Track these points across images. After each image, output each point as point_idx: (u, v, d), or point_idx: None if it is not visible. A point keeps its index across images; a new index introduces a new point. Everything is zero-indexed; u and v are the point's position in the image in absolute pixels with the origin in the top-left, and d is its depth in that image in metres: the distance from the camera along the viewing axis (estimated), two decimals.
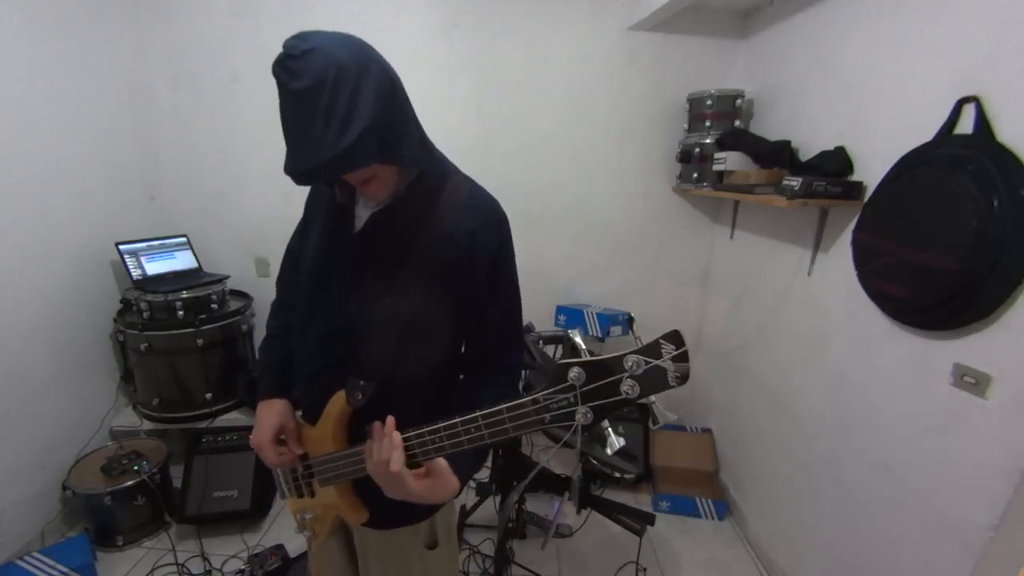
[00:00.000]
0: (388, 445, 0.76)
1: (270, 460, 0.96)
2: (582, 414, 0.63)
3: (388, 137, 0.73)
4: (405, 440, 0.77)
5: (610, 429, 0.64)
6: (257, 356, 0.98)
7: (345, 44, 0.71)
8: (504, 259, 0.90)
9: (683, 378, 0.59)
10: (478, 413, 0.71)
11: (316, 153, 0.69)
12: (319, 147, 0.68)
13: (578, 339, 0.65)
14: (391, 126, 0.74)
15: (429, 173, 0.87)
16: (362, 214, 0.90)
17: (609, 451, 0.64)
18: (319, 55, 0.67)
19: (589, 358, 0.63)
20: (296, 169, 0.72)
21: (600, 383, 0.62)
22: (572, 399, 0.63)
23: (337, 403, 0.88)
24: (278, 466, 0.99)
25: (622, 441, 0.66)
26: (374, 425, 0.78)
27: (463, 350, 0.97)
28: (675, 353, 0.59)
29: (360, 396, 0.85)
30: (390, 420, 0.78)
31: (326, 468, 0.93)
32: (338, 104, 0.68)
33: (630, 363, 0.60)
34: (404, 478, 0.76)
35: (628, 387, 0.60)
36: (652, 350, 0.59)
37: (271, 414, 0.96)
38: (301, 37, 0.70)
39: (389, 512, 0.83)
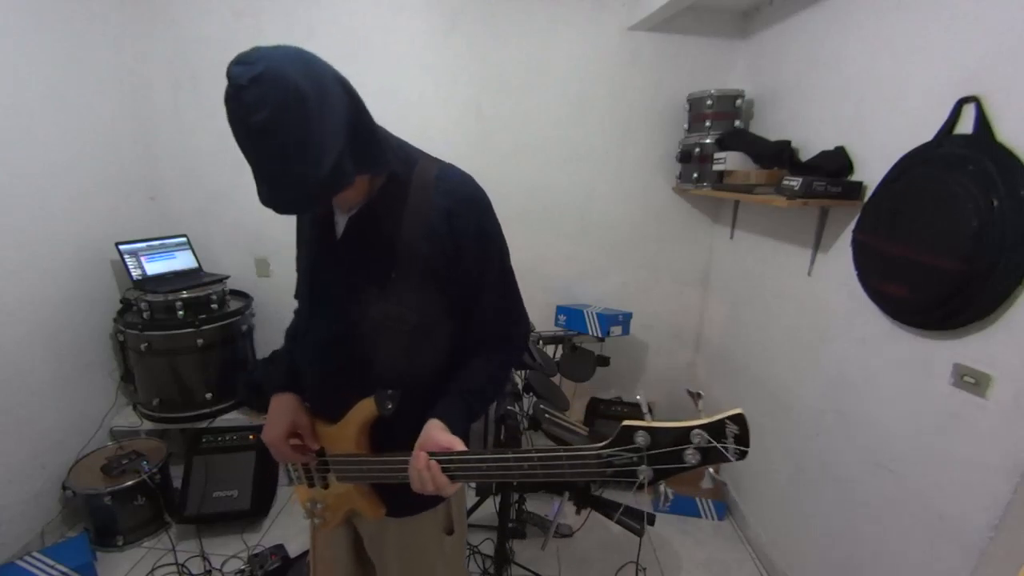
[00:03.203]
0: (430, 481, 0.78)
1: (286, 456, 0.97)
2: (644, 473, 0.67)
3: (360, 152, 0.73)
4: (447, 463, 0.78)
5: (664, 483, 0.70)
6: (265, 354, 0.99)
7: (293, 60, 0.66)
8: (488, 234, 0.89)
9: (741, 456, 0.64)
10: (534, 453, 0.73)
11: (296, 186, 0.68)
12: (298, 180, 0.67)
13: (642, 402, 0.71)
14: (360, 140, 0.73)
15: (398, 168, 0.86)
16: (341, 220, 0.89)
17: (661, 502, 0.72)
18: (270, 80, 0.62)
19: (657, 424, 0.67)
20: (276, 203, 0.71)
21: (665, 449, 0.66)
22: (636, 459, 0.67)
23: (364, 410, 0.88)
24: (293, 460, 0.99)
25: (672, 493, 0.73)
26: (421, 457, 0.79)
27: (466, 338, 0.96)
28: (737, 434, 0.64)
29: (390, 406, 0.86)
30: (435, 465, 0.78)
31: (346, 468, 0.94)
32: (307, 134, 0.65)
33: (696, 439, 0.64)
34: (449, 491, 0.79)
35: (690, 456, 0.65)
36: (717, 428, 0.64)
37: (284, 410, 0.96)
38: (244, 62, 0.63)
39: (409, 500, 0.85)
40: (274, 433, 0.95)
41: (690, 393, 0.72)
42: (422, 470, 0.77)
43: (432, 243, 0.84)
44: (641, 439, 0.67)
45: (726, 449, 0.64)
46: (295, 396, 0.99)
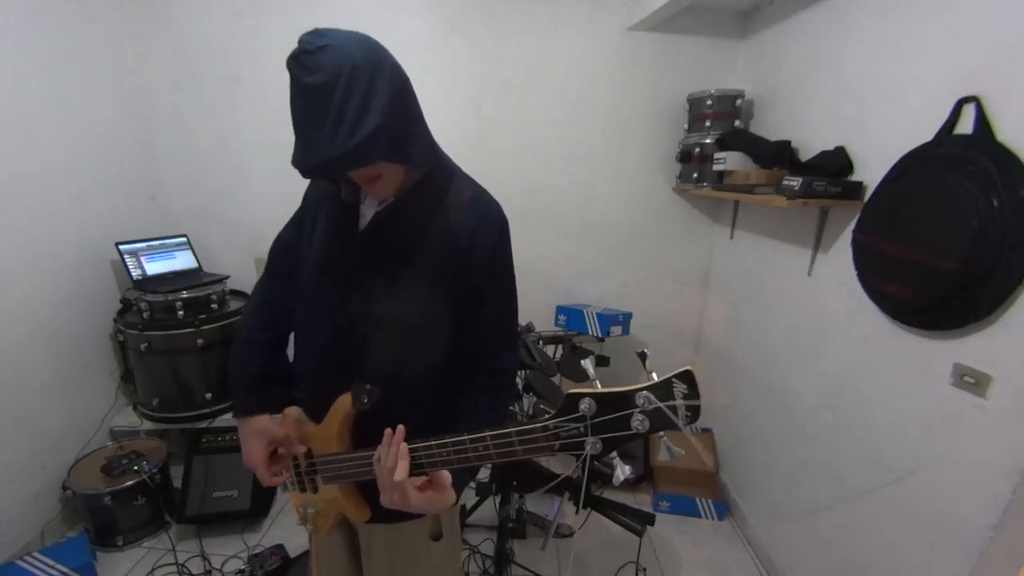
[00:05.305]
0: (395, 454, 0.76)
1: (265, 481, 0.96)
2: (591, 444, 0.63)
3: (398, 136, 0.74)
4: (413, 451, 0.77)
5: (618, 459, 0.65)
6: (233, 363, 0.97)
7: (360, 43, 0.73)
8: (501, 261, 0.90)
9: (693, 417, 0.60)
10: (487, 433, 0.71)
11: (326, 148, 0.70)
12: (329, 143, 0.69)
13: (588, 367, 0.67)
14: (401, 126, 0.75)
15: (435, 173, 0.87)
16: (367, 213, 0.90)
17: (615, 482, 0.64)
18: (334, 52, 0.69)
19: (600, 390, 0.63)
20: (305, 163, 0.73)
21: (610, 416, 0.63)
22: (582, 429, 0.64)
23: (343, 405, 0.88)
24: (273, 484, 0.98)
25: (628, 471, 0.66)
26: (386, 432, 0.78)
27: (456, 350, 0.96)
28: (686, 392, 0.60)
29: (366, 400, 0.85)
30: (400, 429, 0.77)
31: (330, 467, 0.93)
32: (350, 102, 0.69)
33: (641, 400, 0.61)
34: (405, 489, 0.76)
35: (638, 422, 0.61)
36: (664, 388, 0.60)
37: (256, 434, 0.96)
38: (317, 33, 0.71)
39: None
40: (256, 458, 0.94)
41: (638, 354, 0.69)
42: (392, 444, 0.76)
43: (450, 255, 0.85)
44: (585, 406, 0.63)
45: (674, 410, 0.60)
46: (263, 415, 0.97)
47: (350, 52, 0.70)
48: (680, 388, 0.60)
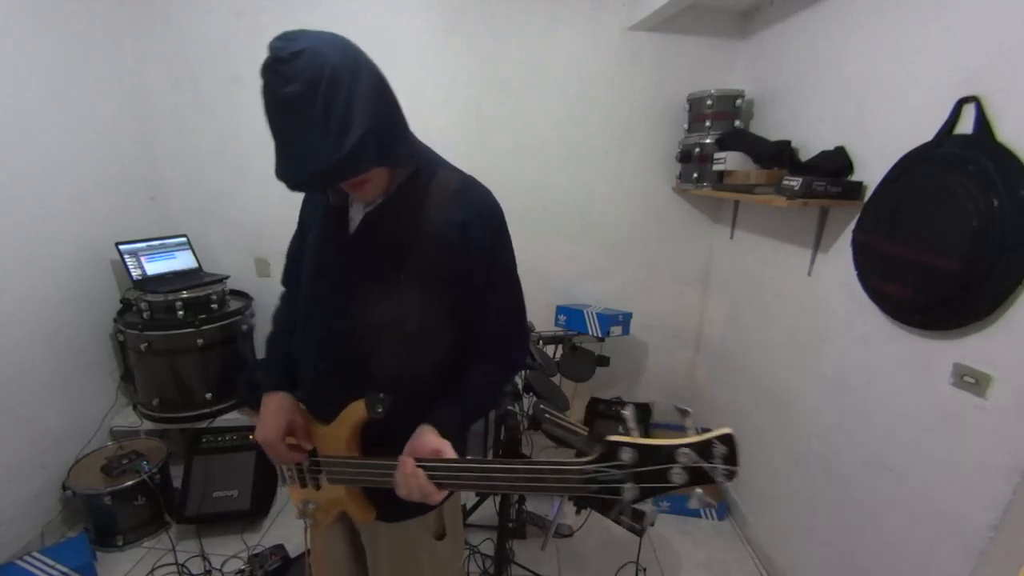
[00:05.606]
0: (415, 487, 0.77)
1: (281, 457, 0.95)
2: (629, 490, 0.66)
3: (385, 140, 0.73)
4: (432, 470, 0.77)
5: (649, 506, 0.68)
6: (264, 349, 1.01)
7: (334, 44, 0.70)
8: (499, 252, 0.89)
9: (730, 477, 0.63)
10: (519, 464, 0.71)
11: (314, 161, 0.68)
12: (317, 155, 0.67)
13: (629, 417, 0.69)
14: (386, 128, 0.74)
15: (420, 171, 0.86)
16: (355, 216, 0.89)
17: (647, 524, 0.68)
18: (309, 57, 0.65)
19: (642, 441, 0.65)
20: (292, 177, 0.71)
21: (651, 467, 0.65)
22: (622, 476, 0.66)
23: (356, 412, 0.88)
24: (288, 462, 0.98)
25: (657, 515, 0.70)
26: (402, 460, 0.79)
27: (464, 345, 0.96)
28: (726, 454, 0.62)
29: (380, 410, 0.85)
30: (411, 463, 0.78)
31: (337, 470, 0.93)
32: (334, 110, 0.66)
33: (683, 457, 0.63)
34: (435, 498, 0.78)
35: (677, 475, 0.64)
36: (704, 448, 0.63)
37: (278, 410, 0.95)
38: (288, 38, 0.67)
39: (400, 505, 0.84)
40: (270, 433, 0.93)
41: (678, 409, 0.70)
42: (408, 476, 0.77)
43: (444, 252, 0.84)
44: (627, 456, 0.65)
45: (713, 470, 0.62)
46: (289, 395, 0.97)
47: (326, 55, 0.66)
48: (719, 449, 0.62)
